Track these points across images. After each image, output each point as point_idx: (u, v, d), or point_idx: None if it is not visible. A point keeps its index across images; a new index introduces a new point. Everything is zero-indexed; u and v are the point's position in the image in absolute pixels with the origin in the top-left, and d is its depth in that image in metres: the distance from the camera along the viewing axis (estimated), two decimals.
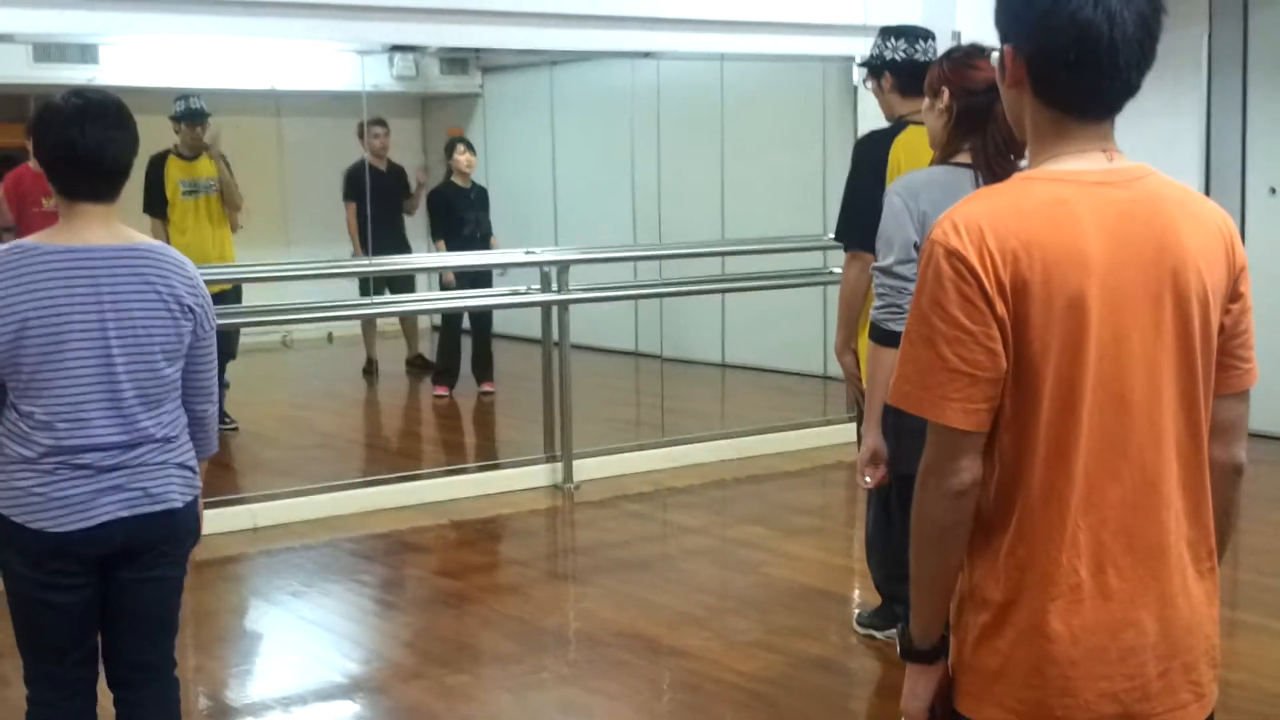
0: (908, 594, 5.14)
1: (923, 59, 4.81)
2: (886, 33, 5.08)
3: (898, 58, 4.95)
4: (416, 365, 11.25)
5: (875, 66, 5.04)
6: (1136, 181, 2.07)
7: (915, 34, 5.02)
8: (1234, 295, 2.13)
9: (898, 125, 4.95)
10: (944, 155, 3.99)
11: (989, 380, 2.00)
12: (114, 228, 3.34)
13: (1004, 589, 2.07)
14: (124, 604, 3.44)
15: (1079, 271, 1.99)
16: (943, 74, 3.98)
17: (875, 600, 5.41)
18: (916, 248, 3.75)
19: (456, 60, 12.47)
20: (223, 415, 8.96)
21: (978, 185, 3.72)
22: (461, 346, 10.26)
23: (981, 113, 3.81)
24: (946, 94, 3.94)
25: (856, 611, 5.48)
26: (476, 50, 11.74)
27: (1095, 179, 2.04)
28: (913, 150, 4.64)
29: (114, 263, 3.28)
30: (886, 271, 3.80)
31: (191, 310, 3.36)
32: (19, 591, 3.38)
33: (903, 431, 3.79)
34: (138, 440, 3.32)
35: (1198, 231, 2.08)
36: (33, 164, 9.13)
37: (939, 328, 2.00)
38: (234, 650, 5.54)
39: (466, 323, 10.24)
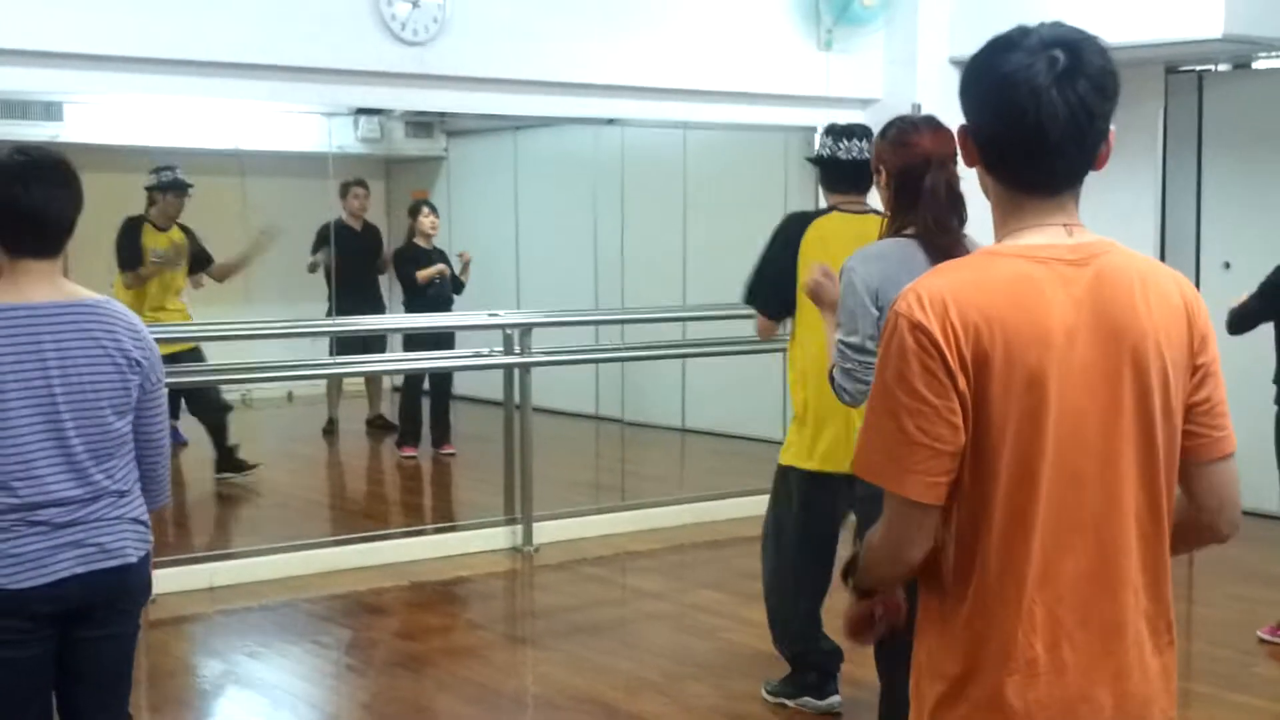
0: (819, 660, 5.13)
1: (845, 157, 5.14)
2: (827, 131, 5.35)
3: (824, 154, 5.25)
4: (376, 425, 11.23)
5: (812, 161, 5.41)
6: (1097, 258, 2.09)
7: (845, 133, 5.26)
8: (1195, 367, 2.14)
9: (818, 211, 5.29)
10: (891, 229, 4.07)
11: (949, 454, 2.02)
12: (57, 283, 3.34)
13: (960, 661, 2.09)
14: (80, 663, 3.42)
15: (1039, 348, 2.01)
16: (879, 154, 4.12)
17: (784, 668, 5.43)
18: (877, 321, 3.81)
19: (421, 124, 12.53)
20: (241, 464, 8.96)
21: (927, 256, 3.80)
22: (422, 407, 10.27)
23: (913, 188, 3.92)
24: (884, 172, 4.06)
25: (765, 681, 5.49)
26: (441, 114, 11.80)
27: (1057, 254, 2.07)
28: (827, 233, 5.05)
29: (58, 319, 3.28)
30: (857, 349, 3.83)
31: (138, 363, 3.36)
32: None
33: (872, 497, 3.82)
34: (93, 495, 3.31)
35: (1159, 306, 2.10)
36: None
37: (902, 400, 2.02)
38: (189, 711, 5.50)
39: (426, 384, 10.26)
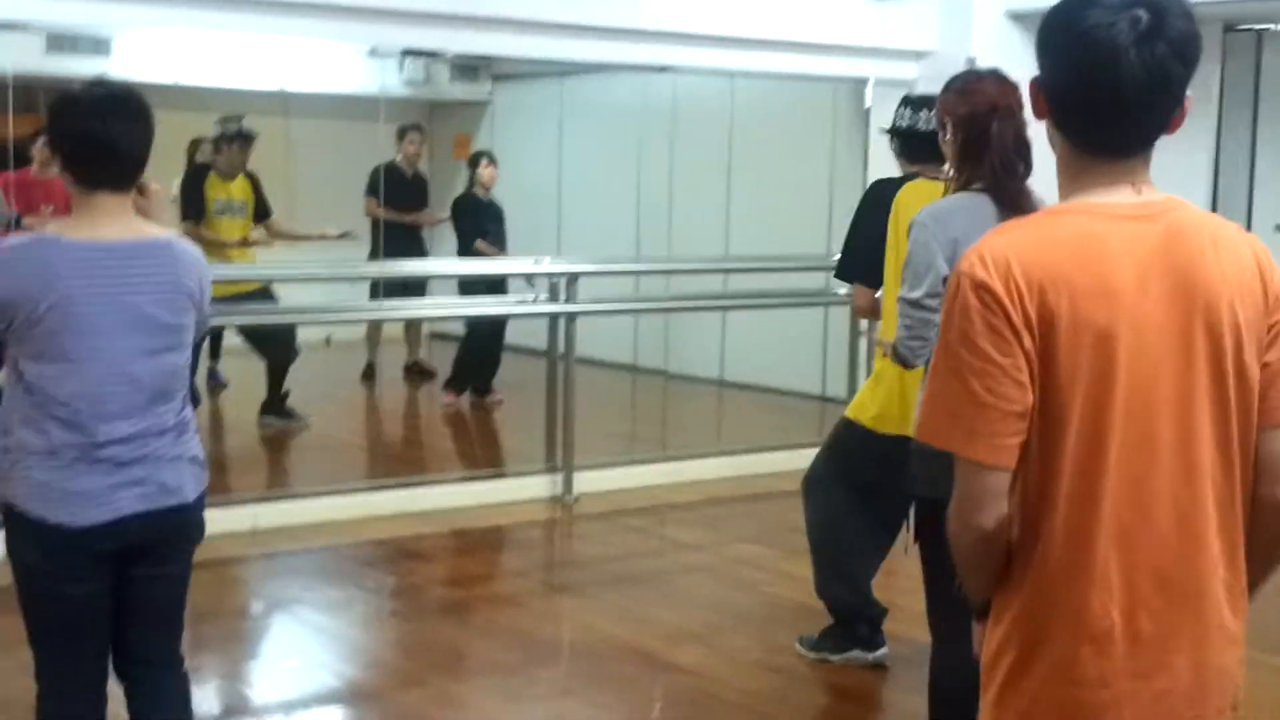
0: (872, 611, 5.09)
1: (924, 128, 4.98)
2: (904, 101, 5.27)
3: (901, 125, 5.15)
4: (415, 371, 11.24)
5: (888, 131, 5.28)
6: (1166, 214, 2.04)
7: (923, 103, 5.14)
8: (1270, 326, 2.08)
9: (910, 175, 5.10)
10: (959, 185, 4.01)
11: (1017, 414, 1.97)
12: (127, 221, 3.35)
13: (1033, 629, 2.05)
14: (136, 600, 3.45)
15: (1107, 305, 1.97)
16: (945, 105, 4.03)
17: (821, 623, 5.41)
18: (945, 280, 3.76)
19: (467, 67, 12.47)
20: (290, 412, 9.00)
21: (999, 209, 3.75)
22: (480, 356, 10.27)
23: (980, 138, 3.85)
24: (950, 123, 3.98)
25: (799, 637, 5.45)
26: (487, 58, 11.74)
27: (1124, 213, 2.02)
28: (919, 197, 4.79)
29: (132, 258, 3.29)
30: (916, 304, 3.79)
31: (200, 304, 3.41)
32: (33, 585, 3.37)
33: (931, 455, 3.78)
34: (156, 432, 3.32)
35: (1231, 264, 2.05)
36: (35, 170, 9.21)
37: (967, 360, 1.97)
38: (233, 652, 5.52)
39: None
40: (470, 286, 9.59)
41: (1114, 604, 2.01)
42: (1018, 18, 8.25)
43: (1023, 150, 3.84)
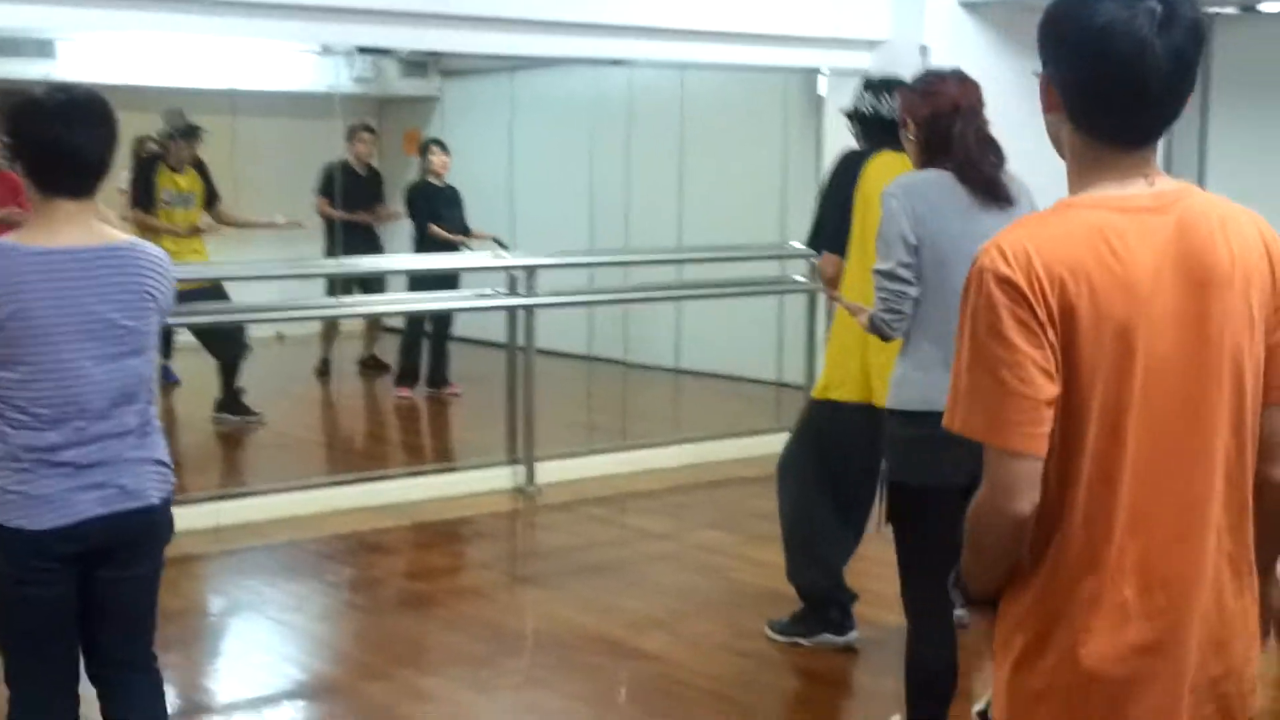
0: (842, 595, 5.16)
1: (887, 115, 5.01)
2: (865, 84, 5.31)
3: (864, 110, 5.18)
4: (370, 365, 11.21)
5: (848, 114, 5.31)
6: (1178, 203, 2.08)
7: (885, 86, 5.19)
8: (1277, 307, 2.14)
9: (874, 149, 5.11)
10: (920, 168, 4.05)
11: (1046, 403, 2.01)
12: (90, 226, 3.30)
13: (1048, 611, 2.10)
14: (103, 602, 3.42)
15: (1125, 298, 2.01)
16: (906, 104, 4.07)
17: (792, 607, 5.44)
18: (914, 249, 3.79)
19: (416, 63, 12.44)
20: (244, 408, 8.95)
21: (964, 187, 3.82)
22: (422, 348, 10.26)
23: (942, 138, 3.89)
24: (911, 123, 4.02)
25: (768, 621, 5.48)
26: (436, 54, 11.71)
27: (1138, 205, 2.06)
28: (885, 170, 4.84)
29: (90, 263, 3.24)
30: (889, 275, 3.81)
31: (162, 307, 3.35)
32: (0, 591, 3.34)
33: (907, 440, 3.82)
34: (113, 434, 3.29)
35: (1240, 248, 2.09)
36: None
37: (997, 353, 2.01)
38: (201, 650, 5.51)
39: (428, 325, 10.25)
40: (419, 281, 9.59)
41: (1128, 585, 2.06)
42: (971, 7, 8.30)
43: (985, 147, 3.88)
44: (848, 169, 5.12)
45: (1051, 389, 2.01)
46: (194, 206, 9.11)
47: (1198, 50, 2.05)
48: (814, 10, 8.32)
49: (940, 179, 3.87)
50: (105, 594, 3.40)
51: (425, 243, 9.87)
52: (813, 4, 8.33)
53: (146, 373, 3.37)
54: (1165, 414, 2.05)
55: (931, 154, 3.95)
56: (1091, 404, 2.02)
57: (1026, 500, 2.04)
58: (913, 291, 3.80)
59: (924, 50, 7.93)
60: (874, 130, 5.13)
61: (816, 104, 8.96)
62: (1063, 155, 2.16)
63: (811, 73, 8.90)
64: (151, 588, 3.51)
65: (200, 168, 9.22)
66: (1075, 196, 2.11)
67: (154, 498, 3.37)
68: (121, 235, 3.39)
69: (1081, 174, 2.11)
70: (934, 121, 3.93)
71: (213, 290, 8.39)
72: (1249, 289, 2.09)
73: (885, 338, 3.96)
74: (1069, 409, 2.03)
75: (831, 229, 5.16)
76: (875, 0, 8.43)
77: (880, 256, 3.86)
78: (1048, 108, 2.12)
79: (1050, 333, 2.00)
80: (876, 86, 5.19)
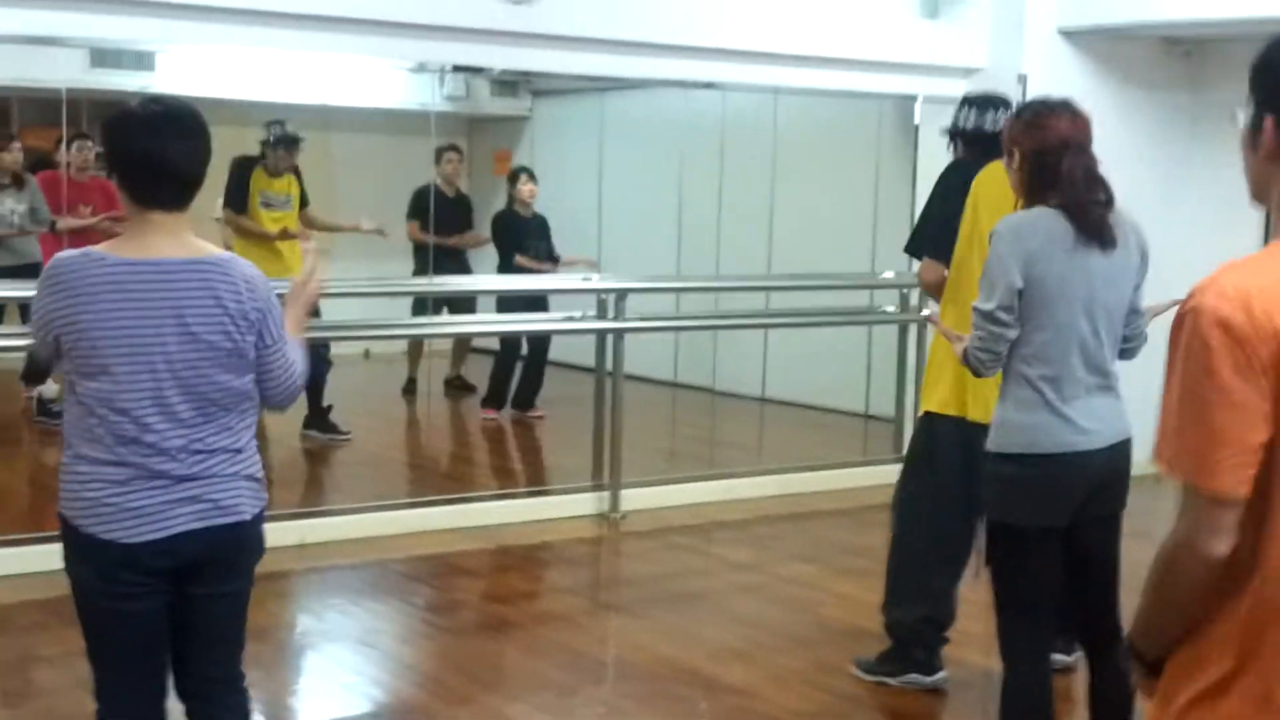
0: (928, 634, 5.10)
1: (990, 129, 4.94)
2: (965, 100, 5.22)
3: (967, 126, 5.10)
4: (455, 385, 11.23)
5: (949, 133, 5.21)
6: None
7: (989, 103, 5.11)
8: None
9: (983, 159, 4.98)
10: (1026, 205, 3.96)
11: (1255, 448, 2.00)
12: (182, 238, 3.29)
13: (1235, 655, 2.07)
14: (194, 619, 3.41)
15: None
16: (1012, 135, 3.97)
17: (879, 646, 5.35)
18: (1019, 293, 3.72)
19: (507, 83, 12.49)
20: (333, 426, 9.03)
21: (1074, 227, 3.73)
22: (514, 371, 10.25)
23: (1052, 171, 3.80)
24: (1017, 155, 3.92)
25: (856, 659, 5.40)
26: (527, 74, 11.75)
27: None
28: (995, 181, 4.70)
29: (178, 276, 3.23)
30: (988, 316, 3.75)
31: (253, 322, 3.30)
32: (89, 603, 3.34)
33: (1009, 480, 3.75)
34: (206, 449, 3.28)
35: None
36: (71, 171, 9.37)
37: (1210, 396, 2.00)
38: (288, 668, 5.51)
39: (524, 349, 10.25)
40: (508, 303, 9.59)
41: None
42: (1070, 35, 8.20)
43: (1093, 186, 3.78)
44: (958, 177, 5.00)
45: (1264, 433, 2.00)
46: (290, 210, 9.18)
47: None
48: (910, 36, 8.26)
49: (1049, 218, 3.78)
50: (198, 610, 3.40)
51: (510, 272, 9.87)
52: (910, 30, 8.27)
53: (239, 387, 3.32)
54: None
55: (1037, 189, 3.86)
56: None
57: (1225, 543, 2.04)
58: (1011, 334, 3.74)
59: (1022, 79, 7.83)
60: (976, 147, 5.03)
61: (911, 132, 8.88)
62: (1259, 196, 2.15)
63: (907, 100, 8.82)
64: (242, 605, 3.50)
65: (297, 174, 9.29)
66: None
67: (247, 513, 3.36)
68: (214, 249, 3.38)
69: None
70: (1041, 157, 3.83)
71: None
72: None
73: (977, 374, 3.90)
74: (1273, 455, 2.01)
75: (935, 234, 5.07)
76: (973, 27, 8.35)
77: (983, 296, 3.78)
78: (1269, 154, 2.09)
79: (1266, 378, 1.99)
80: (979, 103, 5.10)
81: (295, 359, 3.45)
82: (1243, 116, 2.14)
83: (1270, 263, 2.06)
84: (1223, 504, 2.02)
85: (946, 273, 5.00)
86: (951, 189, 5.02)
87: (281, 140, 9.13)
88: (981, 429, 4.03)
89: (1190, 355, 2.02)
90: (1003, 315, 3.71)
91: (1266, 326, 1.97)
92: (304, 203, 9.38)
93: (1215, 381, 1.99)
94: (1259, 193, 2.14)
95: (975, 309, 3.79)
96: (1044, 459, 3.72)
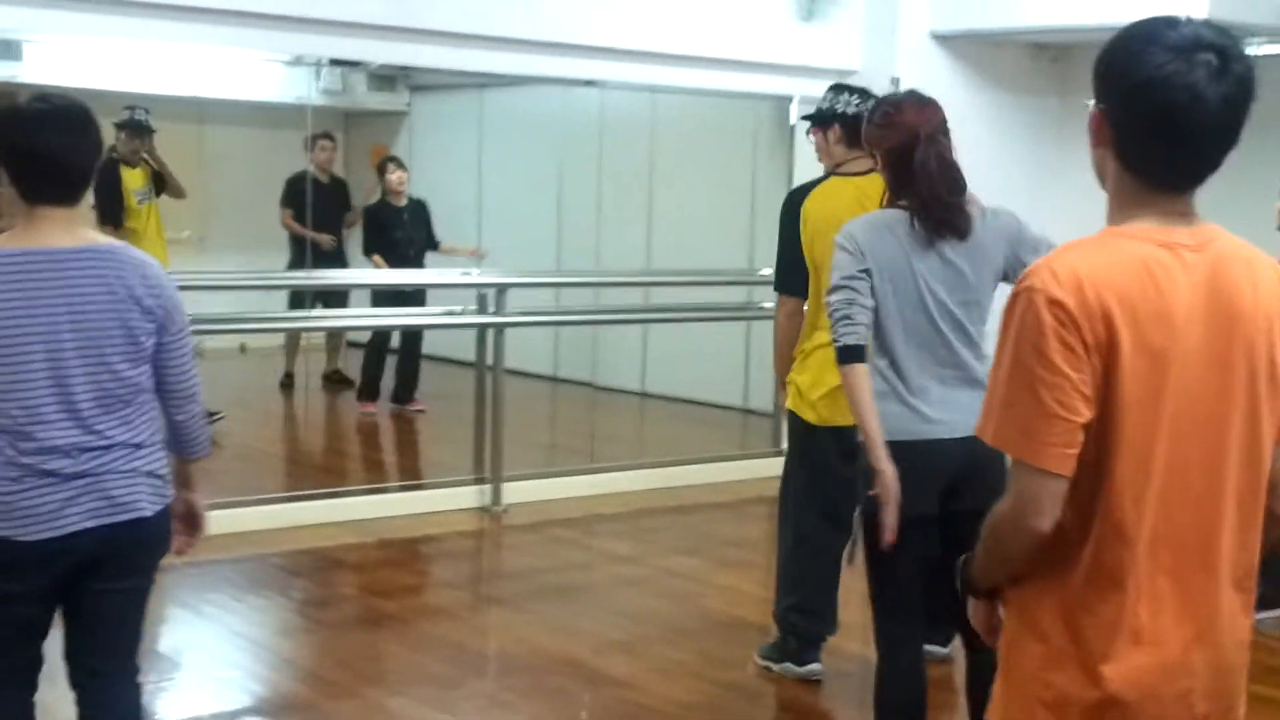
0: (807, 628, 5.16)
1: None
2: (839, 89, 5.29)
3: (849, 111, 5.11)
4: (334, 380, 11.15)
5: (825, 119, 5.21)
6: (1212, 243, 2.15)
7: (868, 93, 5.16)
8: None
9: (816, 180, 5.20)
10: (888, 204, 4.03)
11: (1081, 426, 2.08)
12: (74, 230, 3.30)
13: (1067, 627, 2.16)
14: (90, 613, 3.41)
15: (1163, 330, 2.08)
16: (869, 139, 4.07)
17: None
18: (866, 272, 3.81)
19: (385, 77, 12.40)
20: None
21: (913, 226, 3.82)
22: (384, 364, 10.21)
23: (906, 164, 3.87)
24: (878, 157, 4.02)
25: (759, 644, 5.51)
26: (405, 69, 11.69)
27: (1179, 240, 2.12)
28: (822, 201, 4.99)
29: (71, 264, 3.23)
30: (839, 286, 3.81)
31: (151, 311, 3.29)
32: None
33: (869, 470, 3.83)
34: (103, 444, 3.26)
35: (1265, 290, 2.17)
36: None
37: (1039, 374, 2.07)
38: (167, 663, 5.44)
39: (395, 341, 10.20)
40: (382, 296, 9.56)
41: (1144, 607, 2.13)
42: (941, 39, 8.37)
43: (947, 173, 3.86)
44: (792, 207, 5.13)
45: (1087, 413, 2.07)
46: (154, 201, 9.02)
47: (1248, 102, 2.11)
48: (786, 38, 8.37)
49: (892, 217, 3.87)
50: (93, 606, 3.39)
51: (387, 259, 9.82)
52: (785, 32, 8.38)
53: (136, 379, 3.31)
54: (1188, 446, 2.12)
55: (899, 184, 3.93)
56: (1124, 431, 2.09)
57: (1049, 517, 2.11)
58: (866, 302, 3.80)
59: (895, 81, 7.97)
60: (857, 133, 4.88)
61: (787, 132, 9.00)
62: (1105, 187, 2.22)
63: (783, 100, 8.94)
64: (141, 601, 3.49)
65: (146, 160, 9.12)
66: (1121, 226, 2.16)
67: (146, 510, 3.34)
68: (106, 239, 3.38)
69: (1123, 208, 2.17)
70: (896, 152, 3.90)
71: None
72: (1271, 329, 2.17)
73: (845, 355, 3.84)
74: (1102, 434, 2.09)
75: (789, 272, 5.15)
76: (847, 30, 8.50)
77: (832, 284, 3.86)
78: (1097, 142, 2.18)
79: (1094, 358, 2.06)
80: (862, 91, 5.18)
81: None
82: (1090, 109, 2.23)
83: (1104, 246, 2.14)
84: (1047, 480, 2.09)
85: (805, 306, 5.09)
86: (787, 220, 5.15)
87: (130, 126, 8.93)
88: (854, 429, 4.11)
89: (1022, 334, 2.09)
90: (854, 283, 3.79)
91: (1096, 307, 2.05)
92: (161, 184, 9.18)
93: (1043, 360, 2.06)
94: (1100, 177, 2.23)
95: (827, 293, 3.85)
96: (896, 446, 3.77)
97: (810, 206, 5.01)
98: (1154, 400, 2.08)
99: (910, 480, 3.76)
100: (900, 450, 3.73)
